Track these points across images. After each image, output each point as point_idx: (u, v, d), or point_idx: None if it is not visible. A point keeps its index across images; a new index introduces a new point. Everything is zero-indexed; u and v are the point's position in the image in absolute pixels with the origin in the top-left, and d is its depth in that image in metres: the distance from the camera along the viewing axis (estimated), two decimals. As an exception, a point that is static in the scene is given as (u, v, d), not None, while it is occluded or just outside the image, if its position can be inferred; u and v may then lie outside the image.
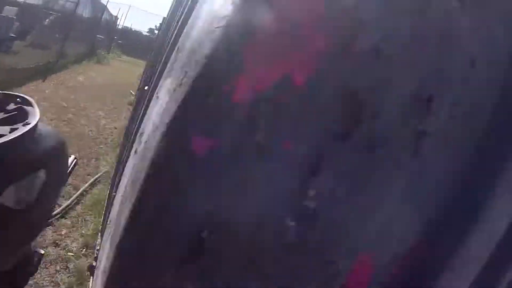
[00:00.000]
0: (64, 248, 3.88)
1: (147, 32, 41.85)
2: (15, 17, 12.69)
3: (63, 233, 4.10)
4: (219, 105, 0.53)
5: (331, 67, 0.51)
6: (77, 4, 15.64)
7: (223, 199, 0.53)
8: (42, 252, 1.20)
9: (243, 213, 0.53)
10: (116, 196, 0.84)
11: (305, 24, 0.51)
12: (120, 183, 0.82)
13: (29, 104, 0.96)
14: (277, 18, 0.51)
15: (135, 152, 0.72)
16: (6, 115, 0.89)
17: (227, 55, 0.52)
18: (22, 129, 0.82)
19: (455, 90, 0.54)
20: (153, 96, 0.84)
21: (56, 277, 3.49)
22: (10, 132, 0.81)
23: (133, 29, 36.86)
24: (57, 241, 3.91)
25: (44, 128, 0.91)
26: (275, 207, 0.53)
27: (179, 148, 0.55)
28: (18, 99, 0.93)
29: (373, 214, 0.54)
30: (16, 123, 0.86)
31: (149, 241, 0.56)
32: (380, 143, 0.53)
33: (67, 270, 3.60)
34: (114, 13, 29.45)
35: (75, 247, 4.00)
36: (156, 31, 40.29)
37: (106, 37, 25.36)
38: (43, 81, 10.92)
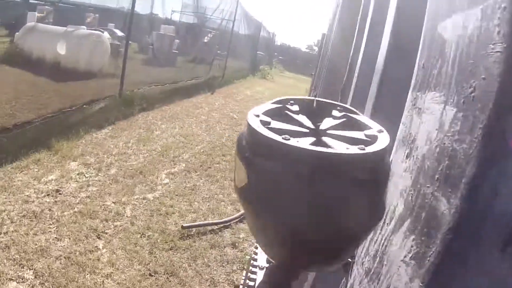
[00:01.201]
0: (242, 251, 4.15)
1: (306, 48, 43.04)
2: (174, 35, 14.07)
3: (241, 236, 4.38)
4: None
5: None
6: (233, 22, 16.77)
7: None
8: None
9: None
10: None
11: None
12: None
13: (352, 112, 0.90)
14: None
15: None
16: (337, 121, 0.84)
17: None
18: (385, 135, 0.76)
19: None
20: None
21: (232, 276, 3.74)
22: (366, 137, 0.76)
23: (291, 46, 38.05)
24: (235, 243, 4.20)
25: None
26: None
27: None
28: (338, 107, 0.93)
29: None
30: (356, 129, 0.82)
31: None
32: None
33: (243, 272, 3.83)
34: (270, 30, 30.91)
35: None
36: (315, 47, 41.49)
37: (266, 53, 26.62)
38: (212, 93, 11.91)
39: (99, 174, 5.00)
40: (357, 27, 3.12)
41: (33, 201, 4.01)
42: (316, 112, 0.86)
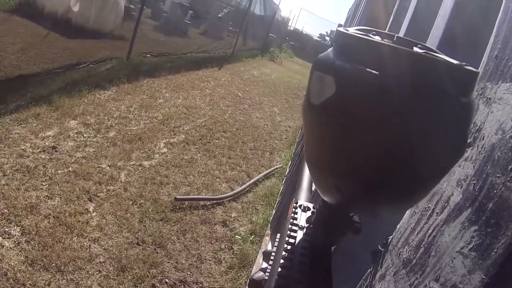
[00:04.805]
0: (232, 230, 4.12)
1: (318, 37, 42.58)
2: (189, 5, 13.90)
3: (232, 215, 4.36)
4: None
5: None
6: (251, 1, 16.58)
7: None
8: None
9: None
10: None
11: None
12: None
13: (433, 50, 0.83)
14: None
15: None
16: None
17: None
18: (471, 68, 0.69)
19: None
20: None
21: (219, 254, 3.72)
22: None
23: (304, 32, 37.67)
24: (226, 221, 4.18)
25: None
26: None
27: None
28: (419, 45, 0.83)
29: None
30: None
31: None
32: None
33: (231, 251, 3.80)
34: (285, 14, 30.44)
35: (243, 231, 4.24)
36: (327, 37, 40.90)
37: (277, 36, 26.34)
38: (219, 69, 11.81)
39: (98, 135, 4.95)
40: (390, 21, 3.07)
41: (28, 156, 3.97)
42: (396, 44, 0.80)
